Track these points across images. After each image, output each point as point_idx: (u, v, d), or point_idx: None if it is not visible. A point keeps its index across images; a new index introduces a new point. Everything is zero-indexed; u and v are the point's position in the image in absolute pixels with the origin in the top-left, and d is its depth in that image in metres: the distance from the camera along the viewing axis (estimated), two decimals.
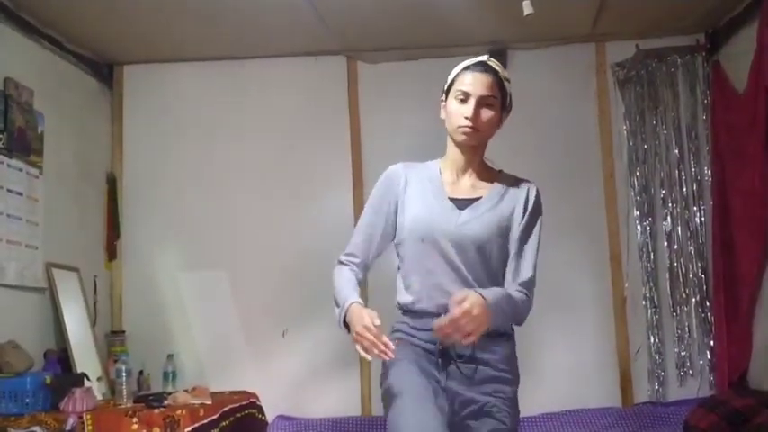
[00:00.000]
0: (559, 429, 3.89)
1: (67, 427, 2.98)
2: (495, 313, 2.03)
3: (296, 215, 4.27)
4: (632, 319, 4.15)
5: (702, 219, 4.13)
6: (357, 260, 2.27)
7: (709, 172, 4.10)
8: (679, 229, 4.15)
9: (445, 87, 2.24)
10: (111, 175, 4.37)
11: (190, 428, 3.14)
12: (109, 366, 3.86)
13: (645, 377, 4.10)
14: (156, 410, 3.15)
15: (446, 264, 2.17)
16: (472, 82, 2.14)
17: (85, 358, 3.72)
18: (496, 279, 2.21)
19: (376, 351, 2.00)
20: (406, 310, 2.25)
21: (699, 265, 4.11)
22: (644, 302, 4.15)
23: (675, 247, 4.14)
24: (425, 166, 2.31)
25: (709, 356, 4.04)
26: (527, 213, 2.22)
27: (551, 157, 4.23)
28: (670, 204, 4.18)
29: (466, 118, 2.13)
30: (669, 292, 4.13)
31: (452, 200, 2.22)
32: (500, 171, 2.31)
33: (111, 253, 4.32)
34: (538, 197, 2.25)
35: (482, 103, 2.14)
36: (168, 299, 4.31)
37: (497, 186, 2.25)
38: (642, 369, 4.12)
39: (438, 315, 2.06)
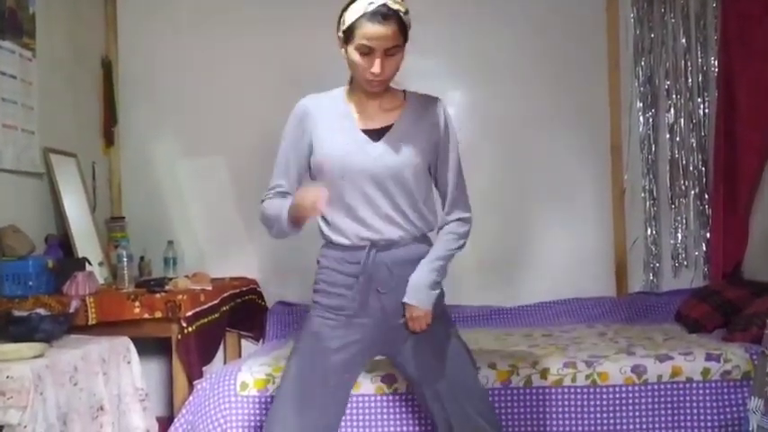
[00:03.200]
0: (554, 318, 3.98)
1: (71, 310, 3.04)
2: (432, 297, 2.21)
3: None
4: (630, 210, 4.17)
5: (706, 111, 4.09)
6: (282, 191, 2.26)
7: (716, 63, 4.02)
8: (682, 120, 4.11)
9: (342, 29, 2.14)
10: (107, 59, 4.29)
11: (191, 313, 3.20)
12: (109, 252, 3.90)
13: (640, 268, 4.16)
14: (158, 295, 3.21)
15: (366, 199, 2.18)
16: (374, 35, 2.06)
17: (86, 244, 3.76)
18: (417, 206, 2.23)
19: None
20: (331, 242, 2.27)
21: (700, 157, 4.10)
22: (643, 194, 4.16)
23: (677, 139, 4.12)
24: (332, 99, 2.28)
25: (704, 248, 4.08)
26: (443, 134, 2.24)
27: (555, 43, 4.16)
28: (674, 96, 4.12)
29: (373, 73, 2.09)
30: (668, 185, 4.13)
31: (365, 131, 2.21)
32: (404, 91, 2.28)
33: (109, 139, 4.30)
34: (447, 113, 2.27)
35: (387, 54, 2.09)
36: (167, 185, 4.32)
37: (407, 110, 2.24)
38: (638, 260, 4.17)
39: (362, 248, 2.18)
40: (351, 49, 2.12)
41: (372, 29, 2.05)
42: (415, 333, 2.23)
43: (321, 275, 2.29)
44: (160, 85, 4.33)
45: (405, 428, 2.69)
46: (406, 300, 2.20)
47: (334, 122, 2.23)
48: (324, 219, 2.26)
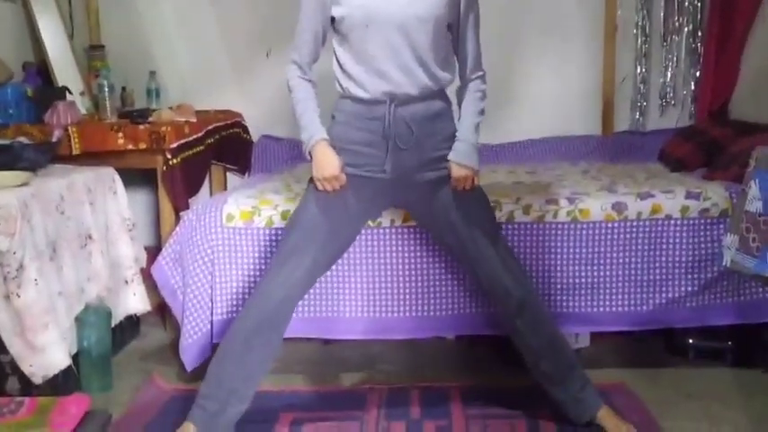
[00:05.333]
0: (540, 155, 3.99)
1: (54, 139, 3.01)
2: (476, 154, 2.26)
3: None
4: (622, 47, 4.08)
5: None
6: (307, 59, 2.25)
7: None
8: None
9: None
10: None
11: (175, 145, 3.19)
12: (90, 81, 3.80)
13: (627, 107, 4.13)
14: (142, 126, 3.18)
15: (390, 49, 2.15)
16: None
17: (66, 72, 3.66)
18: (438, 59, 2.21)
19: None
20: (348, 97, 2.25)
21: None
22: (635, 31, 4.05)
23: None
24: None
25: (693, 87, 4.04)
26: None
27: None
28: None
29: None
30: (662, 21, 4.02)
31: None
32: None
33: None
34: None
35: None
36: (148, 14, 4.15)
37: None
38: (625, 99, 4.13)
39: (382, 102, 2.18)
40: None
41: None
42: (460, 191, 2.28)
43: (336, 130, 2.27)
44: None
45: (392, 262, 2.75)
46: (453, 158, 2.24)
47: None
48: (341, 68, 2.24)
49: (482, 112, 2.32)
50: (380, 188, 2.29)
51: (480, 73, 2.32)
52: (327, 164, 2.19)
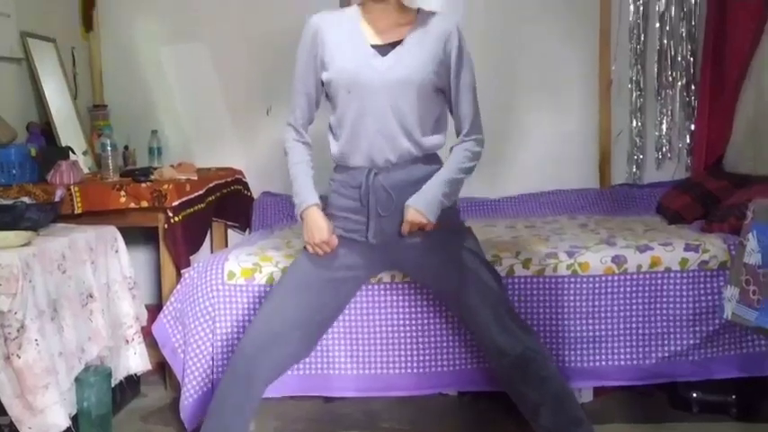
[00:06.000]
0: (538, 209, 4.00)
1: (56, 199, 3.02)
2: (436, 207, 2.20)
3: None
4: (617, 101, 4.13)
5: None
6: (301, 121, 2.30)
7: None
8: (673, 9, 4.02)
9: None
10: None
11: (177, 203, 3.20)
12: (93, 140, 3.85)
13: (624, 160, 4.15)
14: (143, 184, 3.20)
15: (370, 115, 2.17)
16: None
17: (69, 132, 3.70)
18: (422, 124, 2.22)
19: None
20: (337, 165, 2.30)
21: (689, 47, 4.03)
22: (630, 85, 4.10)
23: (667, 28, 4.03)
24: (342, 14, 2.27)
25: (688, 140, 4.08)
26: (455, 54, 2.19)
27: None
28: None
29: None
30: (656, 75, 4.08)
31: (374, 46, 2.18)
32: (418, 10, 2.24)
33: (88, 23, 4.16)
34: (461, 33, 2.21)
35: None
36: (150, 73, 4.22)
37: (418, 26, 2.20)
38: (622, 152, 4.16)
39: (362, 169, 2.21)
40: None
41: None
42: (406, 237, 2.24)
43: (331, 198, 2.32)
44: None
45: (393, 318, 2.74)
46: (410, 203, 2.21)
47: (343, 37, 2.21)
48: (332, 134, 2.29)
49: (464, 171, 2.27)
50: (369, 253, 2.29)
51: (476, 136, 2.29)
52: (317, 229, 2.22)
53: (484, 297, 2.30)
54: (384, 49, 2.19)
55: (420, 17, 2.23)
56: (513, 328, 2.32)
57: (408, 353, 2.73)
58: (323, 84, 2.26)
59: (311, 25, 2.25)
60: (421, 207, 2.19)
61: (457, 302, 2.35)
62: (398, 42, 2.19)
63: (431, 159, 2.28)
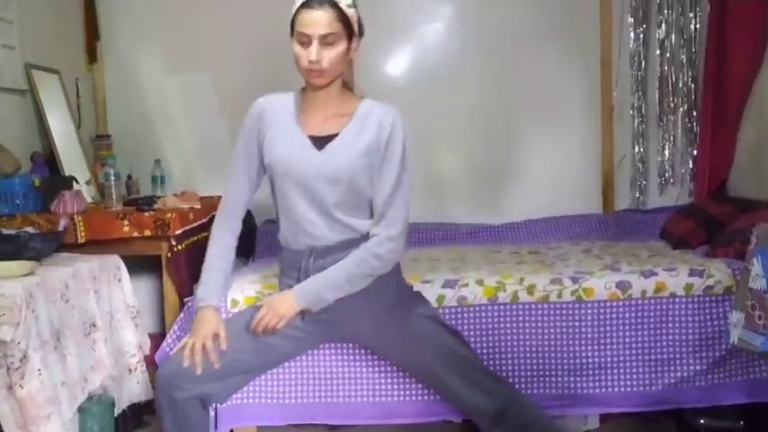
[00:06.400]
0: (541, 235, 4.00)
1: (60, 228, 3.03)
2: (312, 294, 2.18)
3: (283, 22, 4.11)
4: (618, 128, 4.15)
5: (697, 26, 4.03)
6: (237, 206, 2.35)
7: None
8: (673, 36, 4.06)
9: (290, 23, 2.15)
10: None
11: (180, 231, 3.20)
12: (96, 170, 3.87)
13: (627, 185, 4.17)
14: (147, 213, 3.20)
15: (306, 203, 2.20)
16: (309, 23, 2.06)
17: (72, 162, 3.72)
18: (355, 214, 2.23)
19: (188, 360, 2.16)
20: (281, 248, 2.35)
21: (689, 74, 4.06)
22: (631, 112, 4.13)
23: (668, 55, 4.07)
24: (286, 100, 2.28)
25: (691, 165, 4.09)
26: (387, 147, 2.17)
27: None
28: (666, 10, 4.05)
29: (310, 61, 2.07)
30: (657, 102, 4.10)
31: (311, 137, 2.20)
32: (362, 98, 2.24)
33: (92, 55, 4.20)
34: (398, 127, 2.18)
35: (324, 42, 2.07)
36: (153, 103, 4.26)
37: (356, 119, 2.20)
38: (625, 178, 4.18)
39: (303, 252, 2.24)
40: (293, 42, 2.13)
41: (307, 15, 2.08)
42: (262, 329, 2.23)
43: (280, 278, 2.39)
44: None
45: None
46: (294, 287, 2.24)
47: (284, 124, 2.23)
48: (277, 218, 2.34)
49: (351, 282, 2.18)
50: (314, 325, 2.30)
51: (386, 232, 2.17)
52: (204, 327, 2.20)
53: (448, 363, 2.29)
54: (320, 142, 2.20)
55: (363, 107, 2.22)
56: (485, 385, 2.31)
57: (413, 380, 2.72)
58: (263, 167, 2.29)
59: (256, 106, 2.30)
60: (280, 295, 2.24)
61: (423, 373, 2.36)
62: (335, 135, 2.20)
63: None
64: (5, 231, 2.84)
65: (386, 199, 2.17)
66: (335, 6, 2.09)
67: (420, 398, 2.70)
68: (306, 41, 2.09)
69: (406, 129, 2.19)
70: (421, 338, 2.28)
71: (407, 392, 2.71)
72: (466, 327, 2.69)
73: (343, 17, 2.10)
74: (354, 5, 2.15)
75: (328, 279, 2.17)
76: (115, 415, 2.78)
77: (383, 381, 2.71)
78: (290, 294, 2.19)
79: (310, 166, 2.17)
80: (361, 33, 2.20)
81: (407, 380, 2.71)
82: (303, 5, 2.10)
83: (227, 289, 2.44)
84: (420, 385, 2.70)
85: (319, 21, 2.07)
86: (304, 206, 2.20)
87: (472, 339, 2.69)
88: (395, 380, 2.70)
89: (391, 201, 2.17)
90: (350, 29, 2.14)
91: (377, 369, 2.70)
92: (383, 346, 2.35)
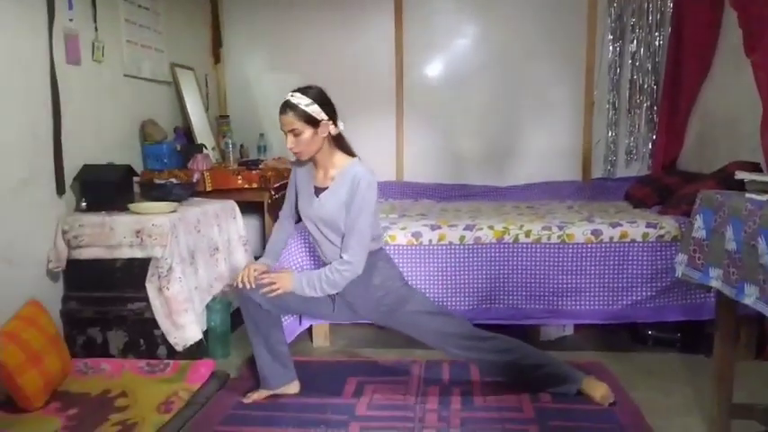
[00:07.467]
0: (536, 195, 3.94)
1: (193, 180, 3.08)
2: (299, 283, 2.12)
3: (359, 51, 4.08)
4: (597, 118, 4.02)
5: (661, 43, 3.85)
6: (287, 215, 2.39)
7: (671, 4, 3.76)
8: (642, 50, 3.89)
9: None
10: None
11: (277, 184, 3.23)
12: (219, 140, 3.91)
13: (601, 160, 4.06)
14: (254, 171, 3.23)
15: (316, 236, 2.21)
16: (282, 122, 2.09)
17: (203, 134, 3.77)
18: None
19: (238, 282, 2.18)
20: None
21: (653, 78, 3.90)
22: (607, 106, 4.00)
23: (637, 64, 3.91)
24: (308, 165, 2.25)
25: (650, 147, 3.96)
26: (352, 199, 2.08)
27: None
28: (637, 30, 3.88)
29: (288, 147, 2.09)
30: (627, 99, 3.97)
31: (315, 188, 2.19)
32: (353, 158, 2.17)
33: (217, 57, 4.21)
34: (362, 186, 2.07)
35: (293, 134, 2.07)
36: (258, 93, 4.26)
37: (342, 176, 2.13)
38: (599, 155, 4.06)
39: (319, 257, 2.29)
40: None
41: (280, 117, 2.09)
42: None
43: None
44: (254, 16, 4.19)
45: (431, 271, 2.73)
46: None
47: (304, 180, 2.25)
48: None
49: (312, 286, 2.11)
50: (345, 309, 2.28)
51: (345, 257, 2.09)
52: (255, 264, 2.25)
53: (443, 339, 2.22)
54: (318, 192, 2.18)
55: (347, 168, 2.14)
56: (480, 346, 2.22)
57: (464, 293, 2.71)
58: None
59: (293, 171, 2.31)
60: (283, 273, 2.19)
61: (432, 344, 2.28)
62: (327, 188, 2.16)
63: (372, 254, 2.19)
64: (157, 181, 2.90)
65: (348, 231, 2.10)
66: (296, 109, 2.06)
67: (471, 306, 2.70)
68: (285, 132, 2.10)
69: (374, 185, 2.10)
70: (415, 327, 2.24)
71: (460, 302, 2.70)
72: (480, 259, 2.68)
73: (303, 114, 2.06)
74: (316, 102, 2.08)
75: (311, 278, 2.13)
76: (230, 311, 2.86)
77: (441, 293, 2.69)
78: (290, 277, 2.16)
79: (312, 210, 2.19)
80: (331, 118, 2.12)
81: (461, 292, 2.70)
82: (279, 111, 2.10)
83: (279, 257, 2.41)
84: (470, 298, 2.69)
85: (285, 121, 2.07)
86: (316, 237, 2.23)
87: (484, 269, 2.69)
88: (450, 292, 2.69)
89: (350, 237, 2.09)
90: (312, 120, 2.08)
91: (435, 284, 2.68)
92: (391, 327, 2.31)
